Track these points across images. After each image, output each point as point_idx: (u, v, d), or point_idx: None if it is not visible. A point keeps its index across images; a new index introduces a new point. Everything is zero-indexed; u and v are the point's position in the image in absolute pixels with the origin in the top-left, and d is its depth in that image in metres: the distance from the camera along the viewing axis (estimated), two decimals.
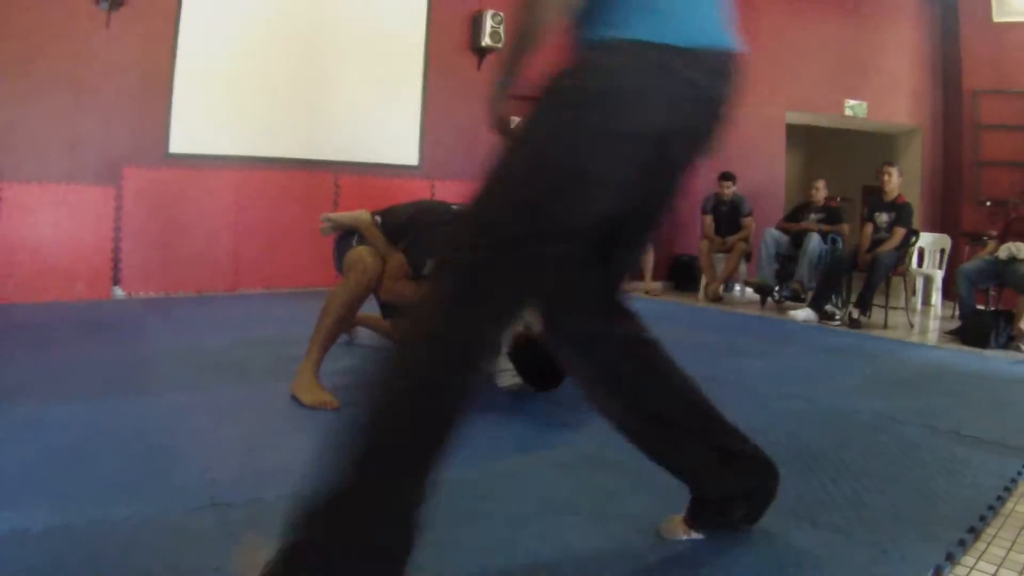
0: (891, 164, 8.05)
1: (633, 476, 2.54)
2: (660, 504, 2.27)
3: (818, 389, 4.18)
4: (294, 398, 3.43)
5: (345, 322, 3.76)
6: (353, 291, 3.65)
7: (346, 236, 4.10)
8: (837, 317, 7.55)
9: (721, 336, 6.21)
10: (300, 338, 3.65)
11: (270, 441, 2.85)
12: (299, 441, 2.80)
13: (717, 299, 9.18)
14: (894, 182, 7.90)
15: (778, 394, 4.00)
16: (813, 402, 3.85)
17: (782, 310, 8.38)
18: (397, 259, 3.76)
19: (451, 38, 9.95)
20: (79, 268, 7.11)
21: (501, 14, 10.05)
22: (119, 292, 7.38)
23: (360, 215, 4.06)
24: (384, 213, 4.06)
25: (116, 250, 7.39)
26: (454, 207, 4.04)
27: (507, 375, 3.87)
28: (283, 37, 8.54)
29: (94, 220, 7.27)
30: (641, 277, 9.57)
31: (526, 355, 3.74)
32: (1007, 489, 2.64)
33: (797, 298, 8.39)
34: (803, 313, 7.58)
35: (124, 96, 7.53)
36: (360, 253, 3.76)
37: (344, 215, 4.15)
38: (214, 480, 2.37)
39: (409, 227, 3.87)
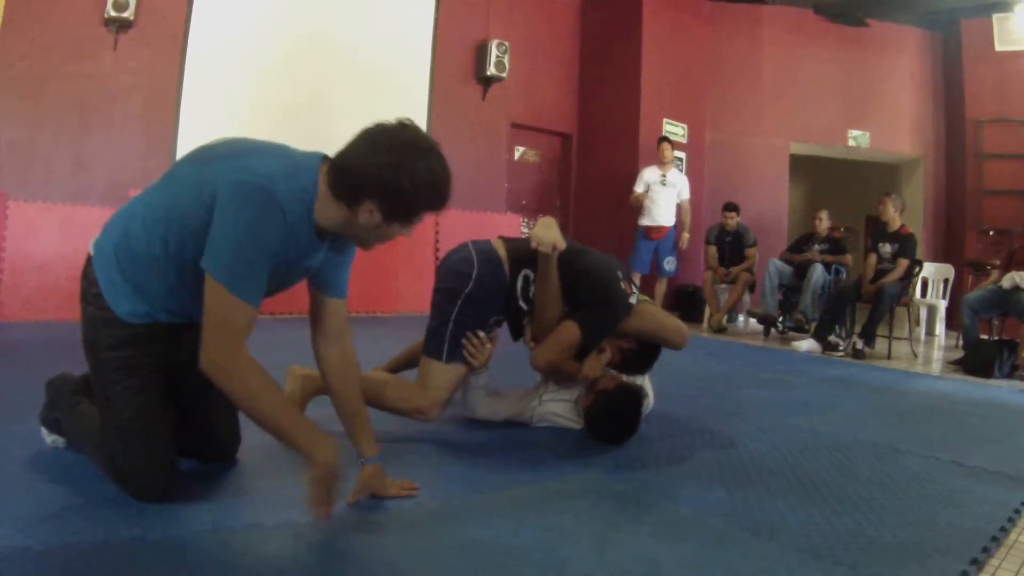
0: (888, 194, 8.07)
1: (635, 507, 2.54)
2: (662, 536, 2.27)
3: (821, 419, 4.19)
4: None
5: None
6: (408, 412, 3.35)
7: (497, 284, 3.54)
8: (841, 348, 7.56)
9: (725, 366, 6.22)
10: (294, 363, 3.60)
11: (269, 467, 2.83)
12: (296, 468, 2.77)
13: (721, 330, 9.20)
14: (890, 212, 7.90)
15: (781, 424, 4.01)
16: (816, 432, 3.85)
17: (786, 341, 8.38)
18: (573, 332, 3.41)
19: (456, 67, 10.00)
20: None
21: (506, 43, 10.10)
22: None
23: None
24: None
25: None
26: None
27: (482, 402, 3.64)
28: (289, 62, 8.60)
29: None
30: None
31: (613, 405, 3.38)
32: (1011, 520, 2.62)
33: (801, 329, 8.42)
34: (807, 344, 7.59)
35: (131, 118, 7.56)
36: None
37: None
38: (215, 505, 2.35)
39: (582, 288, 3.50)
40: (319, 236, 2.25)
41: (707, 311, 9.53)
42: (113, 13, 7.25)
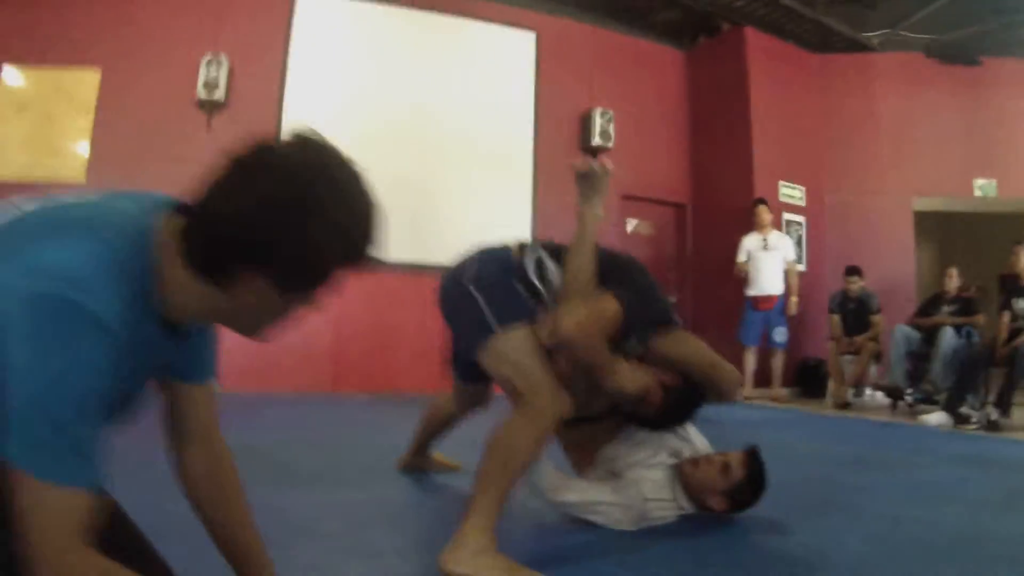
0: (1020, 243, 7.38)
1: None
2: None
3: (946, 511, 3.55)
4: None
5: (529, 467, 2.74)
6: (545, 427, 2.60)
7: (502, 271, 2.97)
8: (973, 419, 6.83)
9: (843, 447, 5.61)
10: (369, 446, 3.28)
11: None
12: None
13: (845, 405, 8.56)
14: (1023, 263, 7.26)
15: (899, 518, 3.36)
16: (939, 528, 3.22)
17: (914, 414, 7.69)
18: (612, 306, 2.77)
19: (560, 138, 9.84)
20: None
21: (611, 111, 9.87)
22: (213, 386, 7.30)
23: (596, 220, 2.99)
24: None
25: None
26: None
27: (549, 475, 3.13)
28: (386, 140, 8.51)
29: None
30: (768, 383, 9.06)
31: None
32: None
33: (931, 400, 7.74)
34: (935, 417, 6.92)
35: None
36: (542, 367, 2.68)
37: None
38: None
39: (618, 273, 2.97)
40: (173, 329, 1.48)
41: (831, 385, 8.95)
42: (204, 95, 7.34)
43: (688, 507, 3.11)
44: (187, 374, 1.68)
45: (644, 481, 3.07)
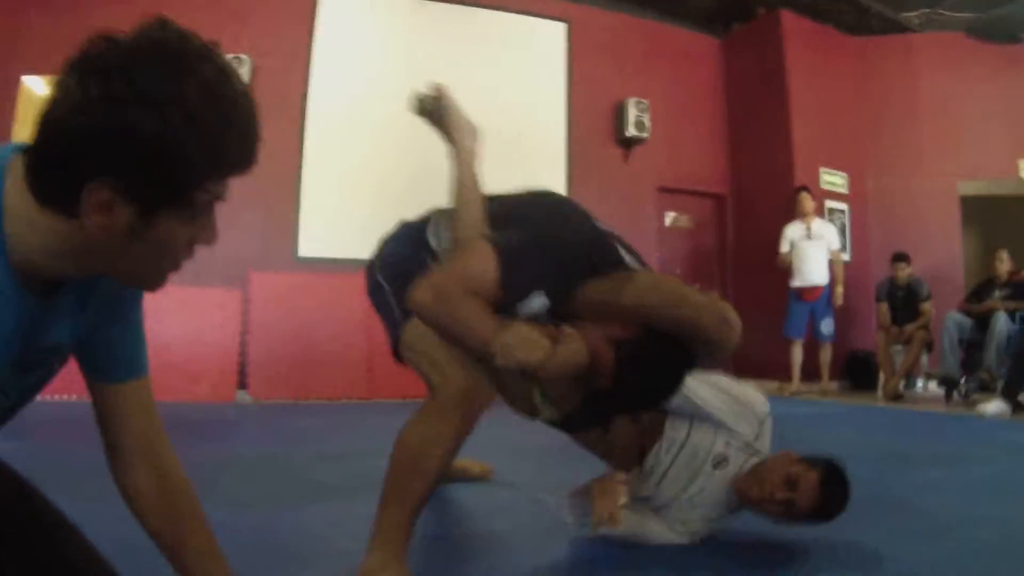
0: None
1: None
2: None
3: (1015, 509, 3.26)
4: None
5: (438, 482, 2.31)
6: (454, 422, 2.17)
7: (409, 249, 2.53)
8: None
9: (899, 441, 5.34)
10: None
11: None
12: None
13: (897, 397, 8.27)
14: None
15: (962, 518, 3.08)
16: (1008, 528, 2.93)
17: (970, 405, 7.38)
18: (480, 256, 2.11)
19: (594, 129, 9.67)
20: (203, 370, 7.11)
21: (645, 101, 9.65)
22: (245, 396, 7.24)
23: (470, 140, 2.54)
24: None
25: (243, 354, 7.37)
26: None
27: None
28: (416, 133, 8.22)
29: (220, 323, 7.31)
30: (817, 378, 8.78)
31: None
32: None
33: (987, 389, 7.42)
34: (993, 407, 6.61)
35: (251, 200, 7.51)
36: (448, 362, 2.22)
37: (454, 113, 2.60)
38: None
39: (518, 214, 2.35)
40: (43, 290, 1.19)
41: (881, 377, 8.66)
42: None
43: (738, 509, 2.76)
44: (105, 371, 1.43)
45: (692, 522, 2.74)
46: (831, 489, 2.49)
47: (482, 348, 2.00)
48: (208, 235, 1.21)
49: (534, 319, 2.10)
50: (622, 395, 2.17)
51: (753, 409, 2.80)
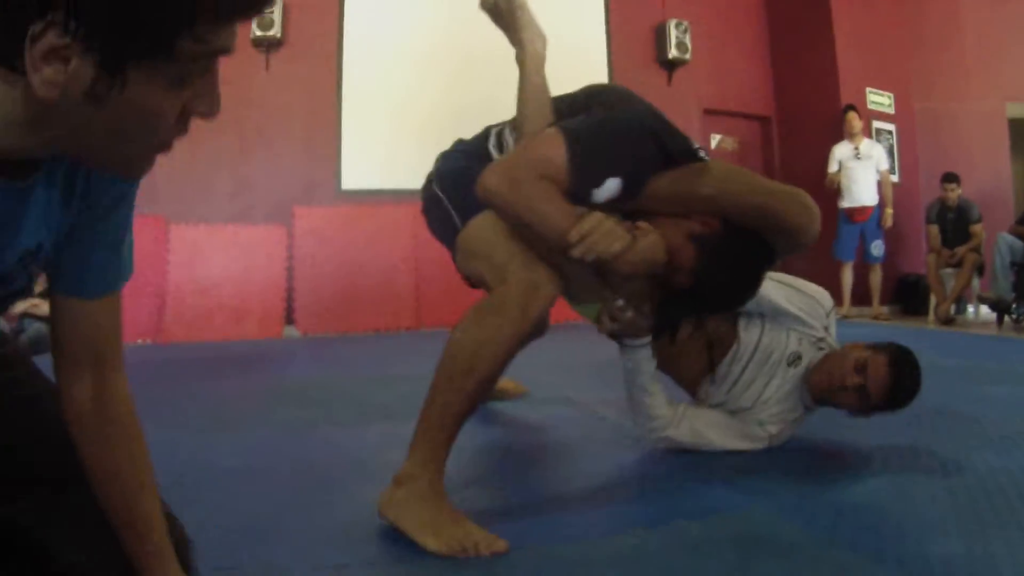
0: None
1: (813, 565, 1.77)
2: None
3: None
4: (396, 529, 1.95)
5: (491, 385, 2.20)
6: (511, 321, 2.01)
7: (465, 160, 2.41)
8: None
9: (954, 360, 5.20)
10: None
11: (298, 499, 2.32)
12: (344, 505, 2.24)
13: (949, 320, 8.11)
14: None
15: None
16: None
17: (1022, 329, 7.23)
18: (550, 142, 2.02)
19: (635, 52, 9.50)
20: (250, 308, 7.13)
21: (685, 22, 9.43)
22: (293, 331, 7.24)
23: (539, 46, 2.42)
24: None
25: (289, 289, 7.37)
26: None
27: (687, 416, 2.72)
28: (453, 63, 8.20)
29: (265, 260, 7.28)
30: (868, 301, 8.65)
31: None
32: None
33: None
34: None
35: (291, 135, 7.48)
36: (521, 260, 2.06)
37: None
38: (204, 538, 1.72)
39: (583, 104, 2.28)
40: (14, 173, 0.95)
41: (932, 300, 8.49)
42: (259, 33, 7.21)
43: (813, 406, 2.75)
44: (73, 283, 1.20)
45: (770, 423, 2.71)
46: (900, 370, 2.49)
47: (557, 237, 1.91)
48: (206, 103, 0.92)
49: (608, 211, 1.99)
50: (703, 294, 2.12)
51: (821, 303, 2.81)
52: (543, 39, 2.43)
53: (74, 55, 0.77)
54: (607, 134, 2.02)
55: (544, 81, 2.34)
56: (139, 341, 6.76)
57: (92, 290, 1.20)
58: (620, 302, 2.28)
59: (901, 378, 2.49)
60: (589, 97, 2.32)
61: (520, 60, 2.39)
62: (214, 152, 7.10)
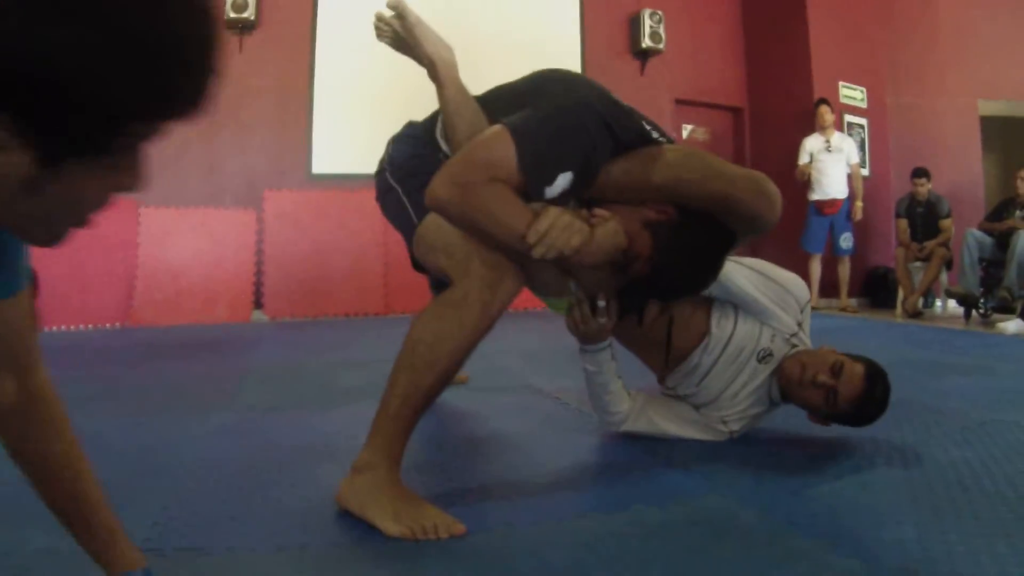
0: None
1: (768, 553, 1.78)
2: None
3: None
4: (351, 515, 1.97)
5: (451, 378, 2.13)
6: (472, 314, 2.03)
7: (416, 148, 2.43)
8: None
9: (920, 353, 5.28)
10: None
11: (263, 480, 2.33)
12: (299, 487, 2.25)
13: (916, 314, 8.19)
14: None
15: (988, 421, 3.08)
16: None
17: (989, 324, 7.30)
18: (496, 139, 1.95)
19: (608, 41, 9.52)
20: (219, 292, 7.12)
21: (660, 12, 9.45)
22: (261, 316, 7.21)
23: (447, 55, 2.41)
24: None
25: (258, 274, 7.36)
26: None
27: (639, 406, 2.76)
28: None
29: (234, 244, 7.27)
30: (836, 294, 8.71)
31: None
32: None
33: (1007, 308, 7.31)
34: (1014, 325, 6.52)
35: (262, 118, 7.46)
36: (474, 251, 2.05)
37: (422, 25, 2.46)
38: (168, 520, 1.93)
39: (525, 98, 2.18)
40: None
41: (900, 294, 8.56)
42: (232, 15, 7.15)
43: (780, 402, 2.75)
44: None
45: (733, 419, 2.73)
46: (874, 384, 2.49)
47: (515, 239, 1.88)
48: (131, 181, 0.89)
49: (561, 204, 1.98)
50: (661, 281, 2.08)
51: (795, 295, 2.78)
52: (447, 47, 2.41)
53: (11, 150, 0.74)
54: (555, 129, 1.97)
55: (463, 87, 2.33)
56: (108, 325, 6.71)
57: (6, 287, 1.16)
58: (601, 303, 2.32)
59: (873, 392, 2.50)
60: (533, 86, 2.27)
61: (433, 76, 2.38)
62: (184, 134, 7.05)
